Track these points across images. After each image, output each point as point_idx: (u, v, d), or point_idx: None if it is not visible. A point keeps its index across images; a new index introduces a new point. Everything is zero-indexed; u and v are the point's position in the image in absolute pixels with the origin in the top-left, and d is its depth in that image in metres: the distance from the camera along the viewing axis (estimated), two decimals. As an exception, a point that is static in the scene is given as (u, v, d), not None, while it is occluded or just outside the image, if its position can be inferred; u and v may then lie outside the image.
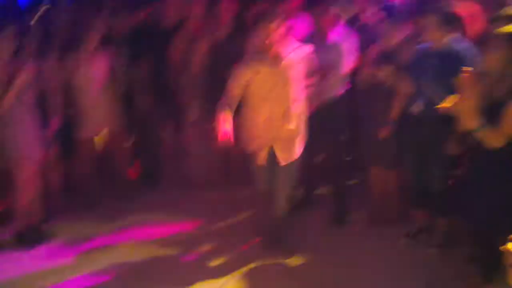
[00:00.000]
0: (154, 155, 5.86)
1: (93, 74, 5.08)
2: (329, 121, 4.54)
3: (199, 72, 5.24)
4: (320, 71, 4.39)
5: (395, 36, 4.29)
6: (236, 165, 5.53)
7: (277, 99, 3.99)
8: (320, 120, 4.44)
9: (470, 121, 3.21)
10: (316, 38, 4.47)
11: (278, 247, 4.32)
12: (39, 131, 4.63)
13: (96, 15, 5.13)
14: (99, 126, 5.23)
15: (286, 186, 4.22)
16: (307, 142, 4.29)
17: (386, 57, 4.26)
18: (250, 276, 4.10)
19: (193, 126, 5.47)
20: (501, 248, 2.54)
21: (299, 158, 4.20)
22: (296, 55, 4.01)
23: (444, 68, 3.78)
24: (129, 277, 4.15)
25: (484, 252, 3.47)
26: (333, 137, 4.63)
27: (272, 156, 4.12)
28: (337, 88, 4.57)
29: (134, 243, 4.69)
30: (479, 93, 3.28)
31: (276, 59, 3.94)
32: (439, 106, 3.33)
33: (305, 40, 4.53)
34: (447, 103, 3.31)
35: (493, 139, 3.18)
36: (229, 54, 4.93)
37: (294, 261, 4.26)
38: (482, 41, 4.28)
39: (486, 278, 3.47)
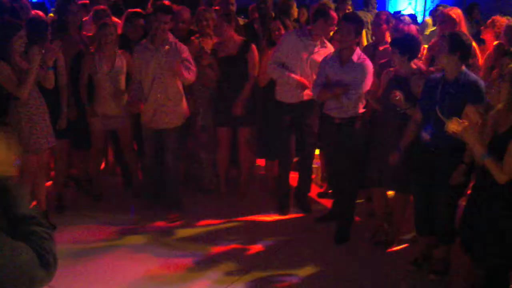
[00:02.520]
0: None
1: (111, 70, 5.18)
2: (349, 139, 4.67)
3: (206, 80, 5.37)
4: (343, 87, 4.53)
5: (408, 66, 4.36)
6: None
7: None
8: (341, 137, 4.67)
9: (476, 149, 3.27)
10: (339, 57, 4.67)
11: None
12: (49, 121, 4.69)
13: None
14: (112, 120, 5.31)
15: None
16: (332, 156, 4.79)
17: (399, 83, 4.32)
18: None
19: (202, 131, 5.54)
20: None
21: None
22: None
23: (456, 98, 3.83)
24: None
25: (488, 283, 3.51)
26: (350, 155, 4.69)
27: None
28: (358, 106, 4.68)
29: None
30: (485, 124, 3.35)
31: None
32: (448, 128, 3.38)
33: (330, 58, 4.71)
34: (454, 126, 3.35)
35: (497, 175, 3.23)
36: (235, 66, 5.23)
37: (297, 273, 4.30)
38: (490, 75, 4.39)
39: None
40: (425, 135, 3.99)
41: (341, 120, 4.69)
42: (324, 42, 5.08)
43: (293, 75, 4.95)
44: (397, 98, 4.14)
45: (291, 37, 5.02)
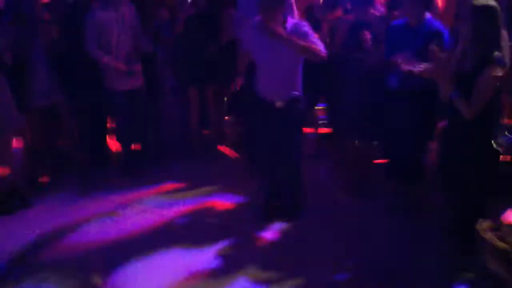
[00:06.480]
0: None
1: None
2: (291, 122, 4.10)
3: (175, 42, 5.30)
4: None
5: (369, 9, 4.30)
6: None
7: None
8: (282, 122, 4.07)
9: (445, 86, 3.30)
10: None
11: None
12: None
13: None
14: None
15: None
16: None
17: (359, 29, 4.28)
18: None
19: (170, 94, 5.49)
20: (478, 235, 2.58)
21: None
22: None
23: (422, 44, 3.82)
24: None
25: (461, 227, 3.59)
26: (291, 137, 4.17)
27: None
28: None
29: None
30: (450, 64, 3.37)
31: None
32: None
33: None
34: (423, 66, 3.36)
35: (465, 110, 3.27)
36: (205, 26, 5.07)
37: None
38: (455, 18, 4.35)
39: (462, 252, 3.59)
40: (393, 81, 3.95)
41: (282, 104, 3.96)
42: None
43: None
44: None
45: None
